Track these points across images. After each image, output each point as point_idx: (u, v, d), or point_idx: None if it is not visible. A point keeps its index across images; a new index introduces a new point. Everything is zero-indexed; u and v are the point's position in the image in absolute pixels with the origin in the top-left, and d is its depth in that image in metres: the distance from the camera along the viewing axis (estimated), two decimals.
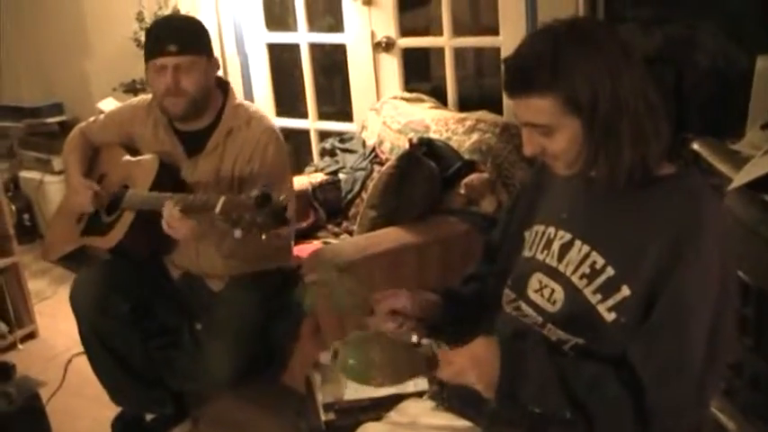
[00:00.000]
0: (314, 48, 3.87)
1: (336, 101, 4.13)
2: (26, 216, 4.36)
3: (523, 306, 1.54)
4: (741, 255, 1.75)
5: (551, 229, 1.52)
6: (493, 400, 1.38)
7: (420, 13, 3.69)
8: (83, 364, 2.66)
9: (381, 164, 3.11)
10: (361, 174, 3.20)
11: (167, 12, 3.78)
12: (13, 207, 4.01)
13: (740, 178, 1.90)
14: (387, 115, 3.27)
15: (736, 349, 1.84)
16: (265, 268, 2.51)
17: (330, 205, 3.25)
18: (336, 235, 3.10)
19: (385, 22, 3.44)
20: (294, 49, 3.87)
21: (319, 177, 3.33)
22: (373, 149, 3.26)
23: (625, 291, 1.37)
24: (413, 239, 2.62)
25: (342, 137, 3.59)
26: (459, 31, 3.35)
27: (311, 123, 3.95)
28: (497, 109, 3.04)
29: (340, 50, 3.70)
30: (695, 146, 2.15)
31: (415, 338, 1.55)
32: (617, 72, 1.32)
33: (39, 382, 2.85)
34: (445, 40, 3.34)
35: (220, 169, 2.44)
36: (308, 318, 2.52)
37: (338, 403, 2.05)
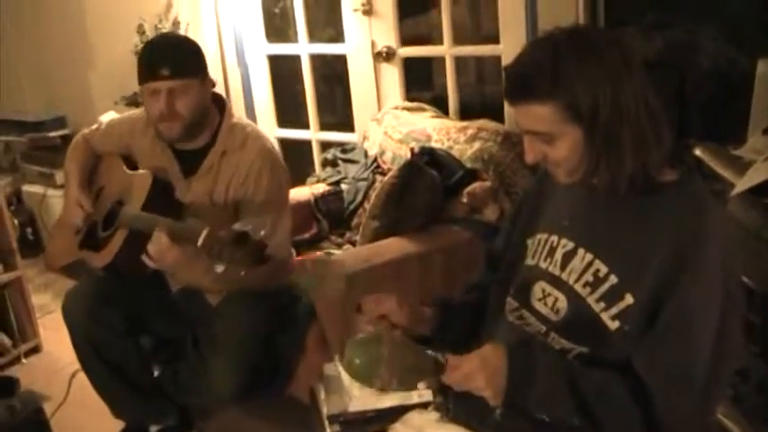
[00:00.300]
0: (314, 58, 3.88)
1: (338, 111, 4.13)
2: (29, 230, 4.35)
3: (527, 315, 1.53)
4: (745, 260, 1.74)
5: (554, 238, 1.52)
6: (500, 407, 1.38)
7: (420, 22, 3.69)
8: None
9: (383, 174, 3.11)
10: (363, 184, 3.20)
11: (168, 24, 3.79)
12: (16, 221, 4.01)
13: (743, 183, 1.89)
14: (388, 125, 3.28)
15: (742, 355, 1.83)
16: (263, 288, 2.47)
17: (332, 216, 3.25)
18: (339, 245, 3.10)
19: (385, 31, 3.45)
20: (295, 60, 3.88)
21: (321, 188, 3.33)
22: (375, 159, 3.26)
23: (629, 299, 1.36)
24: (416, 249, 2.62)
25: (343, 147, 3.59)
26: (459, 39, 3.35)
27: (313, 134, 3.95)
28: (499, 117, 3.04)
29: (341, 61, 3.71)
30: (697, 151, 2.15)
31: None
32: (618, 80, 1.32)
33: (43, 396, 2.83)
34: (446, 49, 3.34)
35: (214, 191, 2.40)
36: (312, 328, 2.52)
37: (343, 415, 2.04)
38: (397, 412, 1.73)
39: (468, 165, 2.83)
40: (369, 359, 1.39)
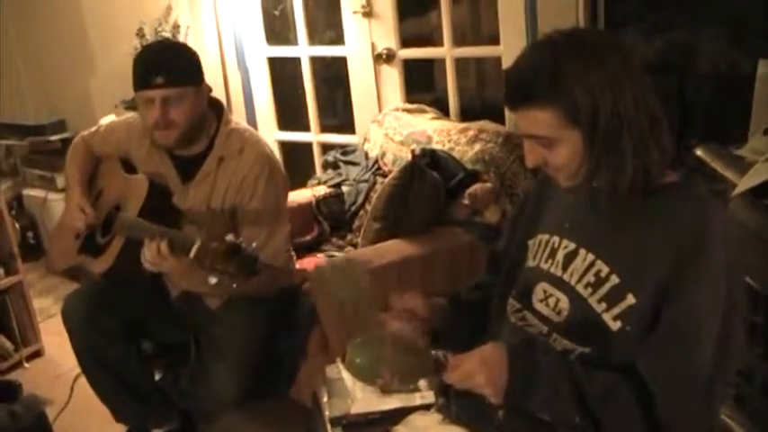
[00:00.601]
0: (315, 61, 3.88)
1: (338, 113, 4.13)
2: (30, 234, 4.34)
3: (528, 316, 1.53)
4: (747, 261, 1.74)
5: (555, 239, 1.52)
6: (501, 405, 1.37)
7: (420, 23, 3.69)
8: None
9: (384, 176, 3.11)
10: (364, 186, 3.20)
11: (168, 27, 3.79)
12: (17, 225, 4.01)
13: (744, 184, 1.89)
14: (389, 127, 3.28)
15: (745, 356, 1.83)
16: (263, 293, 2.46)
17: (334, 218, 3.25)
18: (341, 248, 3.10)
19: (385, 33, 3.45)
20: (295, 62, 3.88)
21: (322, 190, 3.33)
22: (376, 161, 3.26)
23: (630, 299, 1.36)
24: (417, 251, 2.62)
25: (344, 149, 3.59)
26: (459, 41, 3.36)
27: (313, 136, 3.95)
28: (499, 118, 3.04)
29: (341, 63, 3.71)
30: (698, 152, 2.15)
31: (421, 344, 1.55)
32: (618, 84, 1.31)
33: (45, 401, 2.84)
34: (446, 51, 3.34)
35: (212, 197, 2.39)
36: (315, 332, 2.52)
37: (346, 417, 2.04)
38: (400, 414, 1.74)
39: (470, 166, 2.83)
40: (370, 359, 1.40)
